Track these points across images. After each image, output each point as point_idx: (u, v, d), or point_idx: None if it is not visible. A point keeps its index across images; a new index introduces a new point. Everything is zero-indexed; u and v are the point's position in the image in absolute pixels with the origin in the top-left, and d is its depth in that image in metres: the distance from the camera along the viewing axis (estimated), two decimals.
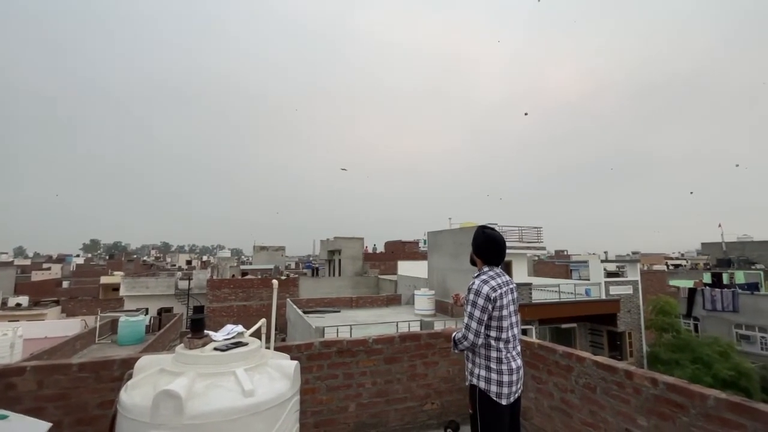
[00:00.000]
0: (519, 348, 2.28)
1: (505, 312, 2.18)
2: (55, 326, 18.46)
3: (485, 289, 2.14)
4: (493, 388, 2.12)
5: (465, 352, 2.27)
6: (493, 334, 2.17)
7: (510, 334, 2.20)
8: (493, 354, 2.16)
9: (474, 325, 2.14)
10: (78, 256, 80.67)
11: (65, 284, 38.09)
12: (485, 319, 2.14)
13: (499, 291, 2.17)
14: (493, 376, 2.13)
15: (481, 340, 2.15)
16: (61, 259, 62.93)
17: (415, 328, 12.84)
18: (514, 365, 2.18)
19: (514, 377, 2.17)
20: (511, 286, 2.29)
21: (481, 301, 2.13)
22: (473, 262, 2.40)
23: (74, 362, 2.54)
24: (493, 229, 2.38)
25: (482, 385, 2.15)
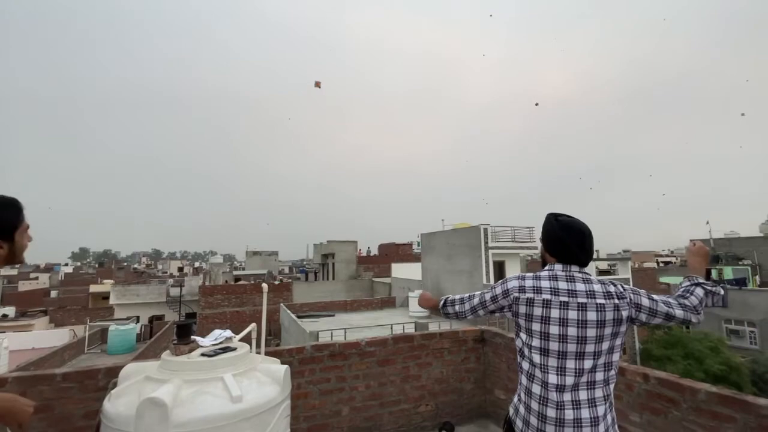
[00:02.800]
0: (576, 389, 1.39)
1: (545, 328, 1.46)
2: (43, 337, 18.04)
3: (513, 283, 1.56)
4: (518, 423, 1.50)
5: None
6: (523, 336, 1.54)
7: (551, 353, 1.44)
8: (523, 379, 1.52)
9: (475, 300, 1.67)
10: (66, 264, 79.34)
11: (53, 294, 37.35)
12: (492, 307, 1.61)
13: (532, 295, 1.49)
14: (521, 409, 1.49)
15: (468, 315, 1.68)
16: (49, 269, 61.74)
17: (410, 330, 12.81)
18: (551, 413, 1.39)
19: (548, 428, 1.39)
20: (581, 300, 1.44)
21: (498, 289, 1.59)
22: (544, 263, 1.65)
23: (58, 372, 2.47)
24: (570, 217, 1.66)
25: (510, 411, 1.57)
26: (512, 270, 18.00)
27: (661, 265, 40.31)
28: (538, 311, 1.47)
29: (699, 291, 1.47)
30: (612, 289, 1.48)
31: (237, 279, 33.11)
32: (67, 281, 48.13)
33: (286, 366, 2.05)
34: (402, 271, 24.54)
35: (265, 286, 2.72)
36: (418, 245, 26.86)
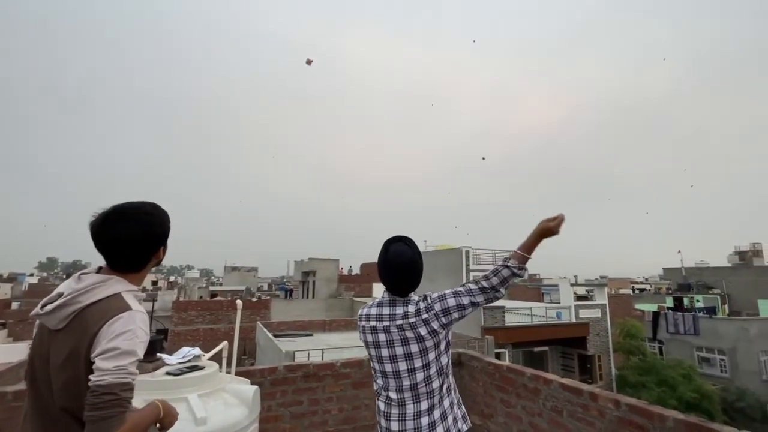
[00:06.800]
0: (403, 403, 1.51)
1: (374, 351, 1.59)
2: None
3: (358, 314, 1.72)
4: None
5: None
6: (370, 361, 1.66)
7: (386, 374, 1.56)
8: (376, 399, 1.64)
9: None
10: (32, 275, 75.29)
11: (15, 305, 35.23)
12: None
13: (364, 323, 1.63)
14: (378, 428, 1.59)
15: None
16: (12, 278, 58.52)
17: None
18: (393, 426, 1.50)
19: None
20: (398, 322, 1.53)
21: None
22: None
23: (9, 390, 2.32)
24: (404, 241, 1.68)
25: None
26: None
27: (637, 292, 41.27)
28: (369, 338, 1.59)
29: (505, 272, 1.53)
30: (411, 308, 1.54)
31: (213, 295, 32.13)
32: (30, 292, 45.52)
33: (255, 387, 1.99)
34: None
35: (239, 302, 2.66)
36: None
